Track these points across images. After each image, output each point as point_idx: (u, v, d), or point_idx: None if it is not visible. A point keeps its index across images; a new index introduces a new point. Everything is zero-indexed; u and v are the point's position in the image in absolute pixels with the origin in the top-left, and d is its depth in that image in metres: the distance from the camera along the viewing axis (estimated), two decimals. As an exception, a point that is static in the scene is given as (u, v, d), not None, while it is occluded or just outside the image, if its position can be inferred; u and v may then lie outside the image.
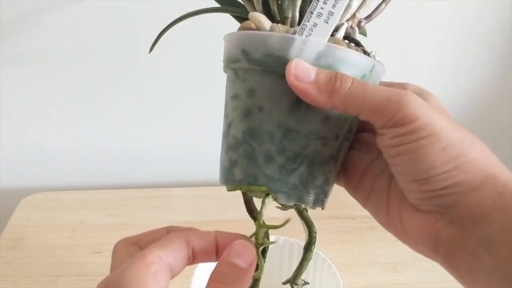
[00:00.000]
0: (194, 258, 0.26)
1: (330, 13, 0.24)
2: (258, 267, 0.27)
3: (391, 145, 0.24)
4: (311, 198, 0.27)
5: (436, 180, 0.23)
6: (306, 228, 0.32)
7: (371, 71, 0.26)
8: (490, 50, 0.77)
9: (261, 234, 0.27)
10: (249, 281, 0.25)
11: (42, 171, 0.78)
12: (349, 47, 0.27)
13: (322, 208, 0.29)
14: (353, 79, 0.24)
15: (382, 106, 0.23)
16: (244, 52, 0.26)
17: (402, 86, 0.28)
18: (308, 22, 0.25)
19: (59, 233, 0.63)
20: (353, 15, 0.28)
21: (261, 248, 0.27)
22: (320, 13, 0.24)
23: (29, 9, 0.66)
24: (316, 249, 0.45)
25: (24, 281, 0.55)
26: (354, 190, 0.30)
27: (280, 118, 0.26)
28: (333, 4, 0.24)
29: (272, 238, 0.47)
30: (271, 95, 0.26)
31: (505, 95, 0.81)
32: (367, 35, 0.32)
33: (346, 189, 0.30)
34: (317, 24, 0.24)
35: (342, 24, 0.27)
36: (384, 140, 0.24)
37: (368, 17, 0.29)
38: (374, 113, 0.24)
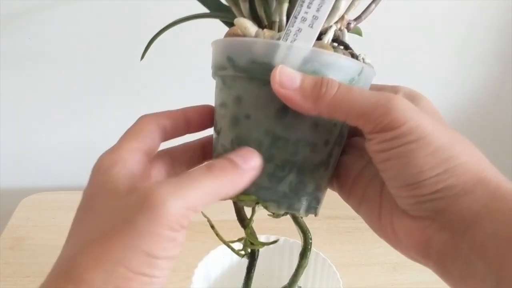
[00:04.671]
0: (166, 135, 0.28)
1: (314, 17, 0.24)
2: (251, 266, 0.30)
3: (380, 150, 0.23)
4: (302, 205, 0.27)
5: (426, 184, 0.23)
6: (301, 235, 0.32)
7: (359, 74, 0.25)
8: (490, 50, 0.77)
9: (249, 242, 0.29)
10: (242, 184, 0.24)
11: (42, 171, 0.78)
12: (336, 50, 0.26)
13: (315, 215, 0.28)
14: (340, 84, 0.23)
15: (369, 111, 0.23)
16: (230, 59, 0.26)
17: (394, 89, 0.27)
18: (292, 27, 0.24)
19: (59, 233, 0.62)
20: (342, 17, 0.28)
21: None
22: (304, 18, 0.24)
23: (29, 9, 0.66)
24: (316, 249, 0.45)
25: (24, 281, 0.55)
26: (347, 195, 0.29)
27: (267, 125, 0.25)
28: (317, 8, 0.24)
29: (271, 238, 0.47)
30: (258, 103, 0.25)
31: (505, 95, 0.81)
32: (363, 35, 0.32)
33: (339, 194, 0.30)
34: (301, 29, 0.24)
35: (331, 26, 0.27)
36: (372, 145, 0.24)
37: (358, 19, 0.29)
38: (361, 118, 0.23)
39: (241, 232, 0.30)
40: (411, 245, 0.25)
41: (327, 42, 0.27)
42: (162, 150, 0.29)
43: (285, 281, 0.44)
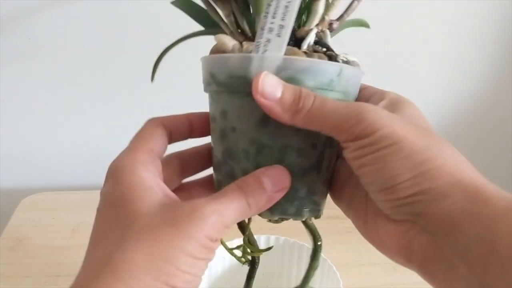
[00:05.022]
0: (171, 139, 0.29)
1: (280, 26, 0.24)
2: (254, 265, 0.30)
3: (355, 157, 0.24)
4: (296, 210, 0.27)
5: (401, 187, 0.23)
6: (310, 237, 0.33)
7: (338, 75, 0.25)
8: (490, 50, 0.77)
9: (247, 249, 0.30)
10: (266, 206, 0.25)
11: (42, 171, 0.78)
12: (310, 55, 0.26)
13: (315, 218, 0.29)
14: (315, 98, 0.24)
15: (341, 122, 0.23)
16: (212, 75, 0.27)
17: (382, 95, 0.28)
18: (261, 38, 0.24)
19: (59, 233, 0.63)
20: (322, 19, 0.27)
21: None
22: (271, 28, 0.24)
23: (29, 10, 0.66)
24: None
25: (24, 281, 0.55)
26: (337, 199, 0.30)
27: (251, 135, 0.26)
28: (282, 17, 0.24)
29: (272, 238, 0.48)
30: (241, 115, 0.26)
31: (505, 95, 0.81)
32: (370, 26, 0.31)
33: (331, 197, 0.30)
34: (270, 39, 0.24)
35: (311, 29, 0.27)
36: (348, 153, 0.24)
37: (340, 18, 0.28)
38: (334, 130, 0.24)
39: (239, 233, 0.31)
40: (394, 249, 0.25)
41: (307, 45, 0.27)
42: (172, 154, 0.30)
43: (285, 281, 0.44)
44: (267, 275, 0.48)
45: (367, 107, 0.24)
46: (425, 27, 0.74)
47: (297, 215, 0.28)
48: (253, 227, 0.31)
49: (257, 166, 0.26)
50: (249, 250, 0.32)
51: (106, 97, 0.73)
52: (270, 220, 0.28)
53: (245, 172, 0.26)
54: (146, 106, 0.74)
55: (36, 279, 0.56)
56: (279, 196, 0.25)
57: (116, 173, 0.25)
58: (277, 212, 0.27)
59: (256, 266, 0.33)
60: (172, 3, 0.31)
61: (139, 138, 0.27)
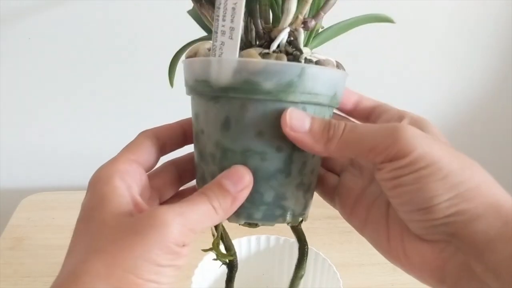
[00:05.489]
0: (166, 149, 0.29)
1: (231, 28, 0.24)
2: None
3: (391, 178, 0.24)
4: (261, 215, 0.27)
5: (439, 208, 0.23)
6: (297, 243, 0.32)
7: (299, 75, 0.24)
8: (490, 51, 0.77)
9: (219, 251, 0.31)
10: (233, 208, 0.25)
11: (42, 171, 0.78)
12: (266, 56, 0.26)
13: (287, 224, 0.28)
14: (345, 125, 0.24)
15: (376, 144, 0.23)
16: (185, 79, 0.27)
17: (400, 114, 0.28)
18: (216, 42, 0.25)
19: (59, 233, 0.63)
20: (296, 17, 0.27)
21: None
22: (223, 31, 0.24)
23: (29, 9, 0.66)
24: (316, 249, 0.45)
25: (24, 281, 0.55)
26: (348, 215, 0.29)
27: (216, 138, 0.26)
28: (231, 19, 0.24)
29: (272, 238, 0.48)
30: (207, 118, 0.26)
31: (505, 96, 0.81)
32: (394, 21, 0.31)
33: (340, 213, 0.30)
34: (224, 42, 0.24)
35: (284, 29, 0.26)
36: (383, 174, 0.24)
37: (316, 16, 0.27)
38: (370, 153, 0.24)
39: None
40: (425, 269, 0.25)
41: (280, 45, 0.26)
42: (168, 161, 0.31)
43: (285, 281, 0.44)
44: (267, 275, 0.48)
45: (401, 126, 0.24)
46: (425, 28, 0.74)
47: (265, 220, 0.27)
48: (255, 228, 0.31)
49: (222, 169, 0.26)
50: (218, 254, 0.32)
51: (106, 98, 0.73)
52: (248, 225, 0.28)
53: (213, 176, 0.26)
54: (146, 107, 0.74)
55: (36, 279, 0.56)
56: (243, 195, 0.25)
57: (93, 184, 0.25)
58: (242, 216, 0.27)
59: (234, 270, 0.33)
60: (188, 12, 0.31)
61: (124, 149, 0.28)
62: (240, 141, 0.25)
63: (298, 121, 0.24)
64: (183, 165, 0.31)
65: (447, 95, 0.81)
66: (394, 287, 0.56)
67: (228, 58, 0.24)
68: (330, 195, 0.31)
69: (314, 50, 0.29)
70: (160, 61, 0.70)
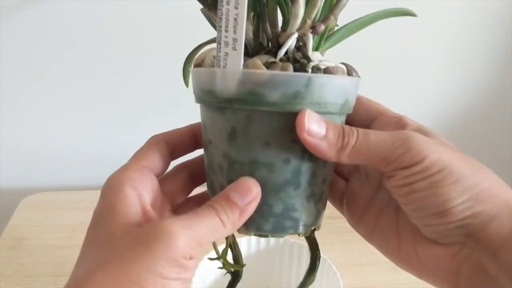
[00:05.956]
0: (176, 153, 0.29)
1: (234, 39, 0.24)
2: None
3: (403, 184, 0.24)
4: (271, 227, 0.26)
5: (454, 211, 0.23)
6: (309, 251, 0.32)
7: (306, 85, 0.23)
8: (490, 51, 0.77)
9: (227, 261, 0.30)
10: (242, 221, 0.25)
11: (42, 171, 0.78)
12: (271, 67, 0.25)
13: (299, 235, 0.28)
14: (358, 133, 0.24)
15: (389, 153, 0.24)
16: (193, 88, 0.27)
17: (400, 123, 0.27)
18: (220, 52, 0.24)
19: (59, 233, 0.63)
20: (304, 22, 0.26)
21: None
22: (227, 42, 0.24)
23: (29, 9, 0.66)
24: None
25: (24, 281, 0.55)
26: (356, 223, 0.30)
27: (223, 149, 0.26)
28: (234, 30, 0.23)
29: (272, 238, 0.47)
30: (214, 128, 0.26)
31: (505, 96, 0.81)
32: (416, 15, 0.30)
33: (348, 221, 0.30)
34: (228, 53, 0.24)
35: (292, 34, 0.25)
36: (394, 181, 0.24)
37: (326, 20, 0.26)
38: (381, 162, 0.24)
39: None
40: (440, 273, 0.25)
41: (288, 51, 0.26)
42: (180, 164, 0.30)
43: (285, 281, 0.44)
44: (267, 275, 0.48)
45: (411, 134, 0.24)
46: (426, 28, 0.74)
47: (275, 231, 0.27)
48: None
49: (230, 181, 0.25)
50: (226, 263, 0.32)
51: (106, 97, 0.73)
52: (259, 235, 0.27)
53: (221, 187, 0.26)
54: (147, 107, 0.74)
55: (36, 279, 0.56)
56: (251, 207, 0.25)
57: (104, 192, 0.25)
58: (252, 228, 0.27)
59: (237, 279, 0.33)
60: (201, 10, 0.31)
61: (134, 156, 0.28)
62: (247, 152, 0.25)
63: (317, 127, 0.24)
64: (196, 167, 0.30)
65: (449, 96, 0.81)
66: (394, 287, 0.56)
67: (233, 69, 0.24)
68: (339, 200, 0.31)
69: (326, 51, 0.28)
70: (160, 62, 0.70)
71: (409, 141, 0.23)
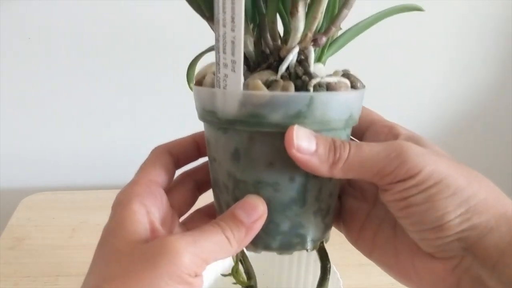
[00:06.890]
0: (179, 163, 0.29)
1: (233, 61, 0.23)
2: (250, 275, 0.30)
3: (399, 199, 0.23)
4: (279, 244, 0.26)
5: (451, 225, 0.23)
6: (319, 261, 0.32)
7: (308, 105, 0.23)
8: (490, 51, 0.77)
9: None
10: (248, 239, 0.25)
11: (42, 171, 0.78)
12: (273, 86, 0.24)
13: (307, 251, 0.28)
14: (350, 146, 0.23)
15: (382, 167, 0.23)
16: (196, 106, 0.27)
17: (392, 132, 0.27)
18: (219, 73, 0.24)
19: (59, 233, 0.63)
20: (305, 35, 0.25)
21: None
22: (225, 64, 0.23)
23: (29, 9, 0.66)
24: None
25: (24, 281, 0.55)
26: (355, 240, 0.29)
27: (227, 168, 0.25)
28: (232, 52, 0.23)
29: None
30: (217, 146, 0.26)
31: (505, 96, 0.81)
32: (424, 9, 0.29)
33: (347, 238, 0.30)
34: (227, 75, 0.23)
35: (293, 48, 0.24)
36: (390, 195, 0.24)
37: (327, 31, 0.25)
38: (376, 176, 0.23)
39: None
40: (437, 287, 0.25)
41: (290, 66, 0.25)
42: (184, 173, 0.30)
43: (285, 281, 0.44)
44: (267, 275, 0.48)
45: (405, 145, 0.23)
46: (425, 28, 0.74)
47: (282, 249, 0.27)
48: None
49: (236, 199, 0.25)
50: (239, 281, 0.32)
51: (106, 97, 0.73)
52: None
53: (227, 205, 0.26)
54: (147, 108, 0.74)
55: (36, 279, 0.56)
56: (258, 225, 0.24)
57: (114, 207, 0.25)
58: (260, 246, 0.26)
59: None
60: None
61: (141, 170, 0.27)
62: (251, 172, 0.25)
63: (306, 143, 0.23)
64: (200, 175, 0.30)
65: (447, 98, 0.81)
66: (394, 287, 0.56)
67: (232, 91, 0.23)
68: (336, 217, 0.30)
69: (329, 59, 0.27)
70: (161, 62, 0.70)
71: (404, 153, 0.23)
